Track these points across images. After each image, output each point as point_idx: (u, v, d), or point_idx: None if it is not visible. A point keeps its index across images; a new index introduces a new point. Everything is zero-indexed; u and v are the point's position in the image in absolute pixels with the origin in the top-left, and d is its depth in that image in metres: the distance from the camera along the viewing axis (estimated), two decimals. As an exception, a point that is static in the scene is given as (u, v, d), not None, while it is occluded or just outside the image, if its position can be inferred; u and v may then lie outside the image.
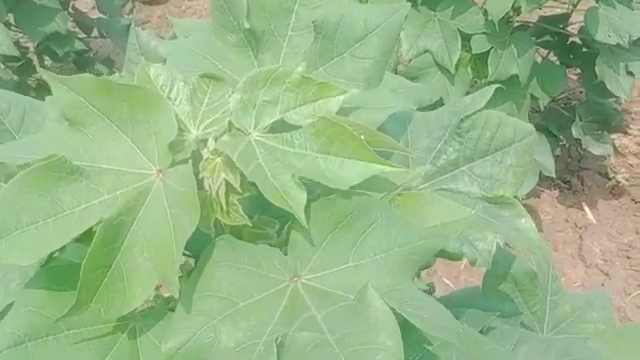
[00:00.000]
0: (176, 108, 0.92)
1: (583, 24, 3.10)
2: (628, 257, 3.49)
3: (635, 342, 1.35)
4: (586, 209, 3.73)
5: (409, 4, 1.04)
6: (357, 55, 1.02)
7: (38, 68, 0.98)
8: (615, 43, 2.98)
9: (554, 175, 3.34)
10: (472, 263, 1.12)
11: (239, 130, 0.90)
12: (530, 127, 1.15)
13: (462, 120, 1.14)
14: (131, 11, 4.28)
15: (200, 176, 0.87)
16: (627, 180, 3.86)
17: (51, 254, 0.93)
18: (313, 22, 1.02)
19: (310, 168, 0.87)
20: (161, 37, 1.36)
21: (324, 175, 0.86)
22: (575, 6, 3.31)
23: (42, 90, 3.27)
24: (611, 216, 3.70)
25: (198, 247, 0.90)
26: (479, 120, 1.14)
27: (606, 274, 3.42)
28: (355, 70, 1.02)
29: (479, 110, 1.15)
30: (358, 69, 1.02)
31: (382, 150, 0.91)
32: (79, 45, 3.45)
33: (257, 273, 0.87)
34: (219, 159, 0.88)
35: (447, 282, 3.34)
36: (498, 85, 1.24)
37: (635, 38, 3.04)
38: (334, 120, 0.87)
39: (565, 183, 3.85)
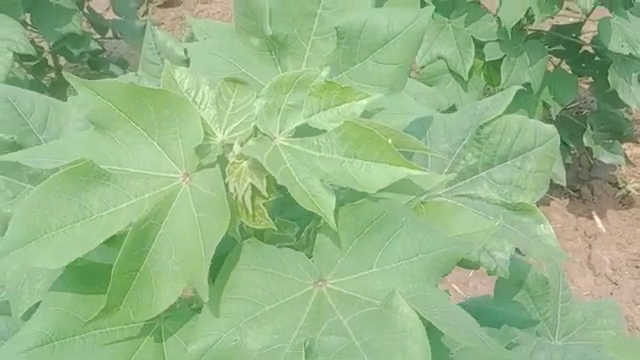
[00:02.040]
0: (202, 112, 0.92)
1: (596, 33, 3.11)
2: (637, 267, 3.49)
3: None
4: (596, 218, 3.73)
5: (432, 8, 1.04)
6: (380, 60, 1.02)
7: (64, 73, 0.99)
8: (628, 53, 2.99)
9: (565, 184, 3.34)
10: (490, 272, 1.12)
11: (265, 135, 0.90)
12: (552, 129, 1.14)
13: (481, 126, 1.13)
14: (145, 13, 4.30)
15: (226, 180, 0.88)
16: (637, 190, 3.86)
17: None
18: (336, 28, 1.02)
19: (337, 172, 0.87)
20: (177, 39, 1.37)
21: (352, 179, 0.87)
22: (588, 16, 3.31)
23: (56, 90, 3.29)
24: (621, 226, 3.70)
25: (220, 249, 0.90)
26: (499, 126, 1.14)
27: (615, 283, 3.42)
28: (378, 75, 1.02)
29: (499, 115, 1.14)
30: (381, 74, 1.02)
31: (403, 151, 0.91)
32: (94, 46, 3.47)
33: (282, 277, 0.87)
34: (245, 163, 0.88)
35: (456, 288, 3.34)
36: (519, 87, 1.23)
37: (648, 48, 3.05)
38: (360, 124, 0.87)
39: (575, 192, 3.85)
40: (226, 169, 0.88)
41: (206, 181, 0.86)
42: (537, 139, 1.14)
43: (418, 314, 0.81)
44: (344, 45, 1.02)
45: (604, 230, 3.67)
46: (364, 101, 0.91)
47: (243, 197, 0.88)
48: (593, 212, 3.76)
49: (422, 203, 0.98)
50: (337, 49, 1.02)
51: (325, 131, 0.90)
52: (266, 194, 0.88)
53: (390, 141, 0.86)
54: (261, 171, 0.87)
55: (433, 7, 1.04)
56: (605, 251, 3.56)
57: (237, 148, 0.89)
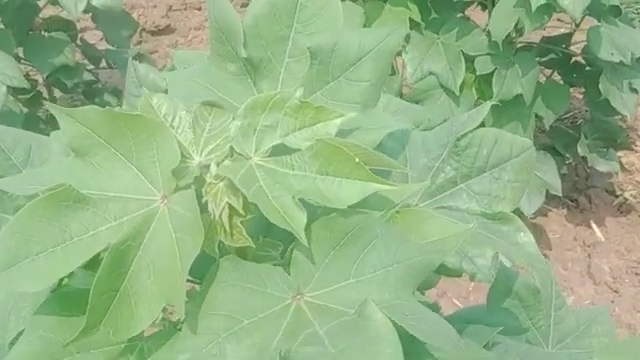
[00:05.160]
0: (179, 136, 0.94)
1: (586, 43, 3.13)
2: (637, 274, 3.50)
3: (636, 355, 1.37)
4: (594, 227, 3.74)
5: (403, 29, 1.06)
6: (352, 78, 1.05)
7: (45, 102, 1.02)
8: (618, 61, 3.01)
9: (560, 194, 3.36)
10: (472, 279, 1.14)
11: (240, 155, 0.92)
12: (527, 142, 1.16)
13: (458, 139, 1.16)
14: (139, 42, 4.33)
15: (203, 200, 0.90)
16: (635, 197, 3.88)
17: (60, 280, 0.96)
18: (308, 49, 1.05)
19: (310, 189, 0.89)
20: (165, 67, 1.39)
21: (323, 195, 0.89)
22: (578, 26, 3.34)
23: (52, 122, 3.30)
24: (619, 233, 3.71)
25: (204, 271, 0.92)
26: (475, 138, 1.16)
27: (615, 291, 3.43)
28: (351, 93, 1.04)
29: (475, 128, 1.17)
30: (354, 92, 1.04)
31: (381, 169, 0.94)
32: (87, 76, 3.50)
33: (261, 292, 0.89)
34: (221, 183, 0.90)
35: (457, 302, 3.35)
36: (494, 102, 1.26)
37: (638, 56, 3.07)
38: (331, 142, 0.89)
39: (573, 201, 3.87)
40: (203, 189, 0.90)
41: (183, 202, 0.88)
42: (513, 151, 1.16)
43: (393, 322, 0.83)
44: (317, 65, 1.05)
45: (603, 239, 3.68)
46: (339, 120, 0.93)
47: (221, 216, 0.90)
48: (591, 221, 3.77)
49: (396, 212, 1.00)
50: (310, 69, 1.05)
51: (300, 150, 0.92)
52: (243, 212, 0.91)
53: (357, 159, 0.88)
54: (237, 190, 0.89)
55: (405, 28, 1.06)
56: (604, 259, 3.57)
57: (214, 168, 0.91)
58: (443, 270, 1.11)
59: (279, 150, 0.93)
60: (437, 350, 1.00)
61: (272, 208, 0.88)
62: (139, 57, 3.38)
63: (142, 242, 0.87)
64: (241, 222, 0.91)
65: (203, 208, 0.90)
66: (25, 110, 3.28)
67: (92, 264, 0.86)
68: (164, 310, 0.90)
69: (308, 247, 0.90)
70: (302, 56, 1.06)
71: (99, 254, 0.87)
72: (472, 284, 3.39)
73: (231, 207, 0.90)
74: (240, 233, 0.92)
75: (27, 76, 3.19)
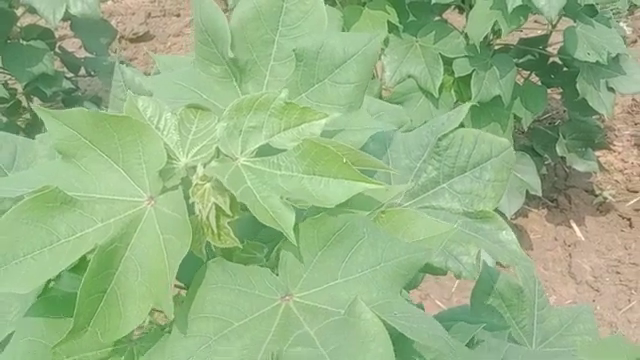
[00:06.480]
0: (165, 137, 0.95)
1: (562, 43, 3.15)
2: (617, 272, 3.52)
3: (618, 353, 1.38)
4: (574, 227, 3.76)
5: (382, 32, 1.07)
6: (337, 80, 1.05)
7: (32, 105, 1.02)
8: (594, 60, 3.02)
9: (540, 194, 3.38)
10: (457, 276, 1.15)
11: (226, 156, 0.92)
12: (506, 142, 1.18)
13: (440, 139, 1.17)
14: (121, 49, 4.31)
15: (190, 201, 0.90)
16: (614, 196, 3.90)
17: (47, 284, 0.96)
18: (294, 51, 1.05)
19: (297, 189, 0.89)
20: (147, 74, 1.39)
21: (311, 195, 0.89)
22: (554, 27, 3.36)
23: (32, 130, 3.30)
24: (599, 232, 3.73)
25: (190, 274, 0.92)
26: (456, 138, 1.17)
27: (597, 290, 3.45)
28: (336, 95, 1.05)
29: (456, 128, 1.17)
30: (339, 94, 1.05)
31: (365, 170, 0.94)
32: (67, 84, 3.49)
33: (250, 293, 0.90)
34: (208, 184, 0.90)
35: (439, 304, 3.36)
36: (473, 103, 1.27)
37: (614, 55, 3.09)
38: (318, 142, 0.90)
39: (552, 202, 3.89)
40: (190, 190, 0.91)
41: (170, 203, 0.88)
42: (493, 150, 1.17)
43: (382, 320, 0.83)
44: (303, 67, 1.05)
45: (583, 238, 3.70)
46: (323, 120, 0.94)
47: (208, 217, 0.90)
48: (571, 221, 3.79)
49: (382, 212, 1.01)
50: (296, 71, 1.05)
51: (286, 150, 0.92)
52: (230, 213, 0.91)
53: (345, 159, 0.89)
54: (224, 191, 0.89)
55: (383, 31, 1.07)
56: (585, 259, 3.59)
57: (200, 170, 0.91)
58: (429, 269, 1.12)
59: (266, 151, 0.93)
60: (424, 349, 1.01)
61: (261, 208, 0.88)
62: (118, 64, 3.37)
63: (129, 243, 0.87)
64: (228, 223, 0.91)
65: (190, 210, 0.90)
66: (4, 119, 3.26)
67: (79, 268, 0.86)
68: (151, 313, 0.90)
69: (297, 247, 0.90)
70: (287, 59, 1.06)
71: (86, 256, 0.87)
72: (455, 286, 3.40)
73: (218, 208, 0.91)
74: (227, 234, 0.92)
75: (6, 85, 3.18)
